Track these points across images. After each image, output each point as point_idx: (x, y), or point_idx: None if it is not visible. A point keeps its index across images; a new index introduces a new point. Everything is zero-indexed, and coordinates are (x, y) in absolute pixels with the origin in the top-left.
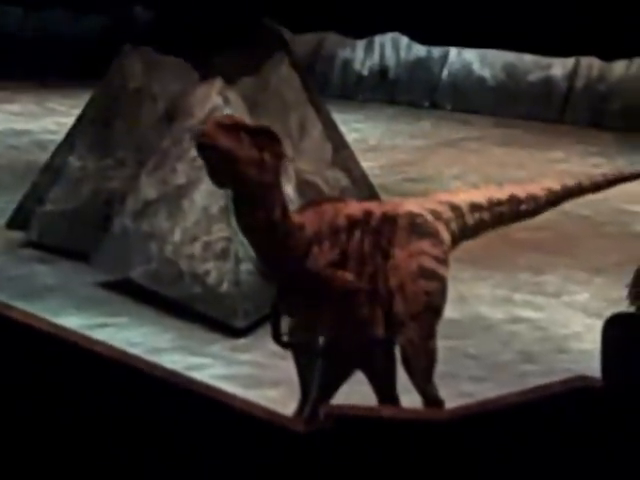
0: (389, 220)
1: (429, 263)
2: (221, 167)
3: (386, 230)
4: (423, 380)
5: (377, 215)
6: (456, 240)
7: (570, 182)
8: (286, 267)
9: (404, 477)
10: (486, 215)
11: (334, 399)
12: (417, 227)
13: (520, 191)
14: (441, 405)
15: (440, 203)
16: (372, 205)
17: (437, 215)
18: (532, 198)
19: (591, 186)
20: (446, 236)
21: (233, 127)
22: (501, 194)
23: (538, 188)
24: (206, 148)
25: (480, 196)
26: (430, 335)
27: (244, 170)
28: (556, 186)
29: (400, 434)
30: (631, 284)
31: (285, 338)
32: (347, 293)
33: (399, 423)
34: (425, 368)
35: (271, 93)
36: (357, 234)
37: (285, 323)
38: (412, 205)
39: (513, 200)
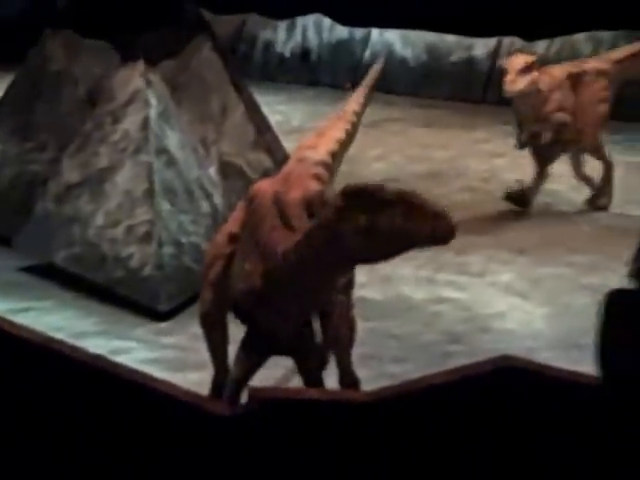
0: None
1: None
2: None
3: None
4: (348, 352)
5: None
6: None
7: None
8: None
9: (329, 458)
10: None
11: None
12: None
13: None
14: (358, 384)
15: (316, 165)
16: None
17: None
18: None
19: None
20: None
21: None
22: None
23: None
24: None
25: (333, 141)
26: (352, 305)
27: None
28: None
29: (326, 416)
30: (632, 259)
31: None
32: None
33: (325, 405)
34: (350, 340)
35: (192, 75)
36: None
37: None
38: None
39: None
